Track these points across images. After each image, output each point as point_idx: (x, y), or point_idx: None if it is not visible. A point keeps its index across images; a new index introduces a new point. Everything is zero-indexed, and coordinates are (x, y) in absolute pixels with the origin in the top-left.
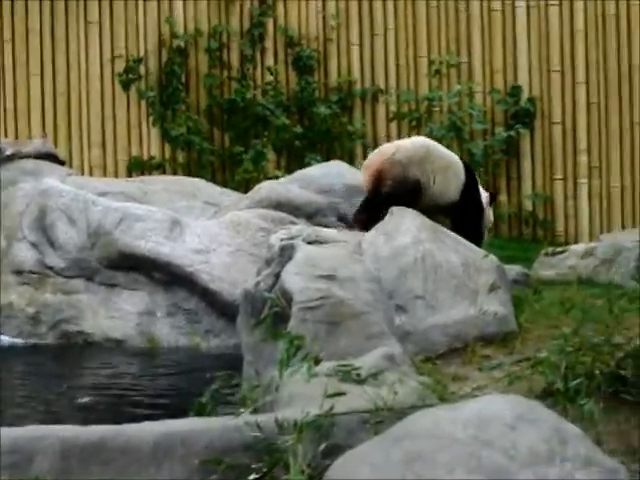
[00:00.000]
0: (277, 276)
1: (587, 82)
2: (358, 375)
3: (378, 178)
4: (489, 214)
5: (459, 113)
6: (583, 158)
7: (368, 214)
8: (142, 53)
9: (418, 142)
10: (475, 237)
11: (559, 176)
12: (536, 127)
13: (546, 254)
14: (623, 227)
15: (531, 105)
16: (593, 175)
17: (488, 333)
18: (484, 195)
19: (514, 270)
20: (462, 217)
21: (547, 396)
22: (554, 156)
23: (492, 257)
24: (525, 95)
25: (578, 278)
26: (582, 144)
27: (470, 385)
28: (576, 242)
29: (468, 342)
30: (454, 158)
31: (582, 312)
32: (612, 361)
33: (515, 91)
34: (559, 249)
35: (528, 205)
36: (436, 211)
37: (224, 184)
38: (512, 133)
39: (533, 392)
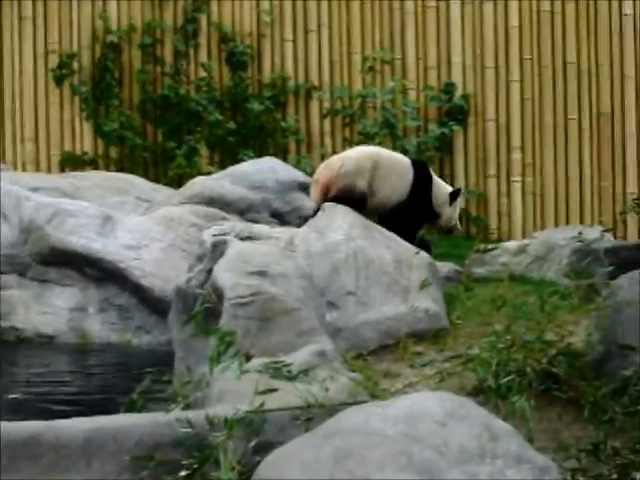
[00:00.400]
0: (209, 272)
1: (521, 79)
2: (289, 372)
3: (326, 192)
4: (449, 211)
5: (393, 110)
6: (516, 155)
7: None
8: (76, 49)
9: (363, 153)
10: (405, 235)
11: (492, 173)
12: (470, 124)
13: (478, 251)
14: (556, 224)
15: (465, 102)
16: (526, 172)
17: (419, 330)
18: (445, 192)
19: (446, 267)
20: (400, 216)
21: (478, 393)
22: (487, 153)
23: (424, 254)
24: (459, 92)
25: (510, 275)
26: (516, 141)
27: (401, 382)
28: (509, 239)
29: (399, 339)
30: (400, 162)
31: (514, 309)
32: (544, 358)
33: (449, 88)
34: (491, 246)
35: (461, 202)
36: (385, 214)
37: (157, 180)
38: (445, 130)
39: (464, 389)
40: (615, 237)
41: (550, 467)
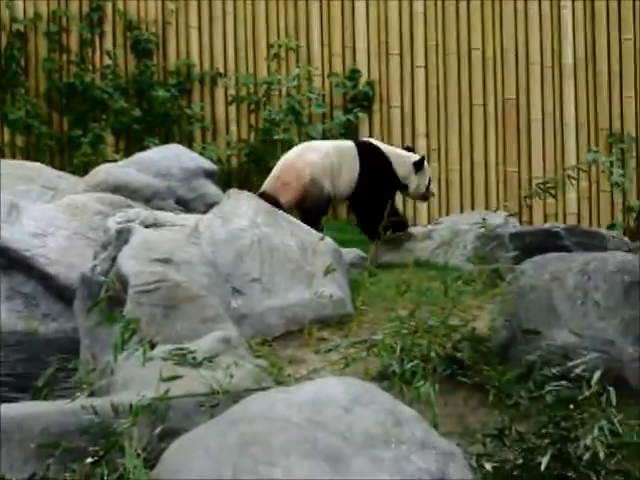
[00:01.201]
0: (114, 260)
1: (426, 66)
2: (194, 358)
3: (299, 200)
4: (415, 180)
5: (298, 97)
6: (422, 141)
7: None
8: None
9: (322, 154)
10: (369, 214)
11: None
12: (374, 111)
13: (384, 241)
14: (462, 210)
15: (370, 89)
16: (432, 158)
17: (324, 316)
18: (409, 162)
19: (352, 253)
20: (359, 198)
21: (383, 378)
22: (393, 139)
23: (329, 240)
24: (364, 79)
25: (416, 261)
26: (421, 127)
27: (306, 368)
28: (414, 225)
29: (304, 325)
30: (346, 150)
31: (418, 295)
32: (448, 343)
33: (354, 74)
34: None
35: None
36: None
37: (63, 168)
38: (351, 117)
39: (369, 374)
40: (521, 222)
41: (455, 452)
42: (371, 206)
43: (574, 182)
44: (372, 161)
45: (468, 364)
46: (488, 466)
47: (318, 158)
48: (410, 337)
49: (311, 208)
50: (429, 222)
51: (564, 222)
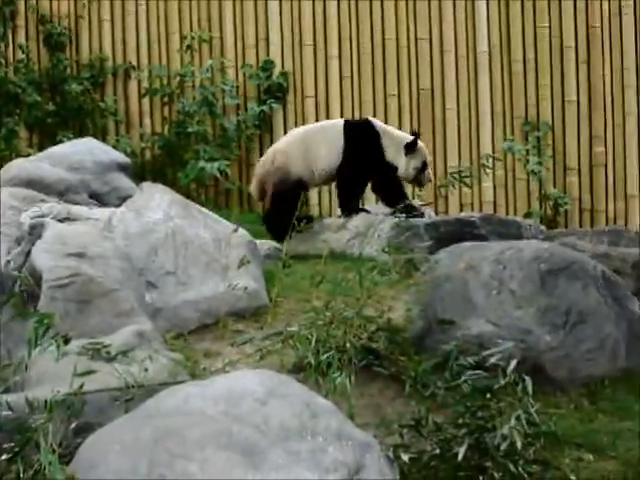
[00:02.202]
0: (27, 254)
1: (340, 56)
2: (108, 353)
3: (262, 189)
4: (404, 162)
5: (211, 88)
6: None
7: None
8: None
9: (291, 138)
10: (345, 193)
11: None
12: (289, 102)
13: (296, 228)
14: (377, 200)
15: (284, 80)
16: None
17: (239, 308)
18: (399, 143)
19: (267, 245)
20: (342, 177)
21: (299, 370)
22: None
23: (243, 232)
24: (277, 70)
25: (331, 252)
26: (335, 118)
27: (222, 361)
28: (330, 216)
29: (219, 317)
30: (330, 129)
31: (333, 286)
32: (364, 334)
33: (267, 66)
34: (310, 223)
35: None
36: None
37: None
38: (265, 108)
39: (285, 366)
40: (436, 212)
41: (372, 443)
42: (348, 182)
43: (489, 171)
44: (357, 139)
45: (384, 355)
46: (405, 457)
47: (284, 144)
48: (325, 328)
49: (276, 194)
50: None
51: (480, 211)
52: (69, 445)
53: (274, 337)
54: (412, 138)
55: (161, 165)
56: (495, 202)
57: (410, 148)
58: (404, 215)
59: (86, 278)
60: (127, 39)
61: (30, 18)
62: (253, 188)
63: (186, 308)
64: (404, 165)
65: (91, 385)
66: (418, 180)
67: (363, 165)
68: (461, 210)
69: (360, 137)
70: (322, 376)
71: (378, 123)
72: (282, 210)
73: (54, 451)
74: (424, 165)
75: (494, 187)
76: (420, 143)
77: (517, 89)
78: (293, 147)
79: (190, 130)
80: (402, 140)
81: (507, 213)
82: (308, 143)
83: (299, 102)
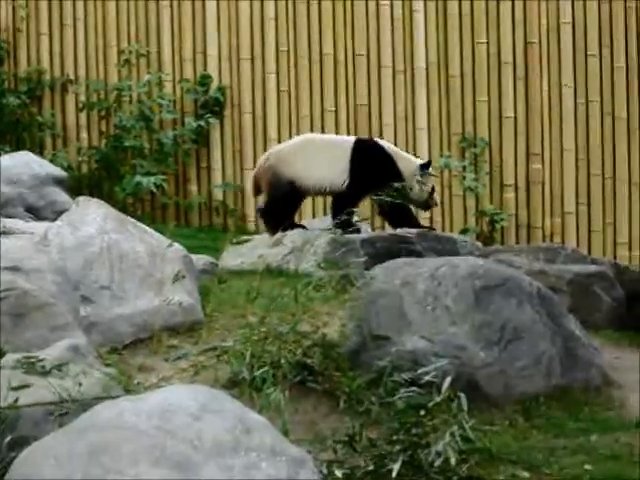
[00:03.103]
0: None
1: (277, 71)
2: (43, 367)
3: (257, 188)
4: (418, 187)
5: (148, 103)
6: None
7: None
8: None
9: (293, 141)
10: (339, 204)
11: (249, 166)
12: (226, 116)
13: (232, 243)
14: (314, 216)
15: (221, 94)
16: None
17: (174, 323)
18: (408, 167)
19: (202, 260)
20: (347, 194)
21: (233, 386)
22: (244, 145)
23: (178, 246)
24: (215, 84)
25: (267, 267)
26: (272, 133)
27: (156, 376)
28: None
29: (154, 332)
30: (337, 144)
31: (268, 301)
32: (298, 350)
33: (204, 80)
34: (244, 238)
35: (219, 195)
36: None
37: None
38: (202, 122)
39: (219, 382)
40: (373, 228)
41: (306, 459)
42: (351, 200)
43: (425, 187)
44: (369, 160)
45: (318, 370)
46: (339, 473)
47: (282, 146)
48: (260, 344)
49: (269, 193)
50: None
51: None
52: (3, 459)
53: (209, 352)
54: (423, 161)
55: (98, 179)
56: (432, 218)
57: (426, 169)
58: (340, 231)
59: (21, 292)
60: (65, 52)
61: None
62: (251, 189)
63: (121, 322)
64: (418, 187)
65: (26, 399)
66: (427, 203)
67: (373, 186)
68: None
69: (373, 158)
70: (256, 392)
71: (387, 144)
72: (275, 207)
73: None
74: (433, 187)
75: None
76: None
77: (454, 105)
78: (291, 150)
79: (127, 144)
80: (412, 162)
81: (443, 229)
82: (311, 151)
83: (236, 117)
